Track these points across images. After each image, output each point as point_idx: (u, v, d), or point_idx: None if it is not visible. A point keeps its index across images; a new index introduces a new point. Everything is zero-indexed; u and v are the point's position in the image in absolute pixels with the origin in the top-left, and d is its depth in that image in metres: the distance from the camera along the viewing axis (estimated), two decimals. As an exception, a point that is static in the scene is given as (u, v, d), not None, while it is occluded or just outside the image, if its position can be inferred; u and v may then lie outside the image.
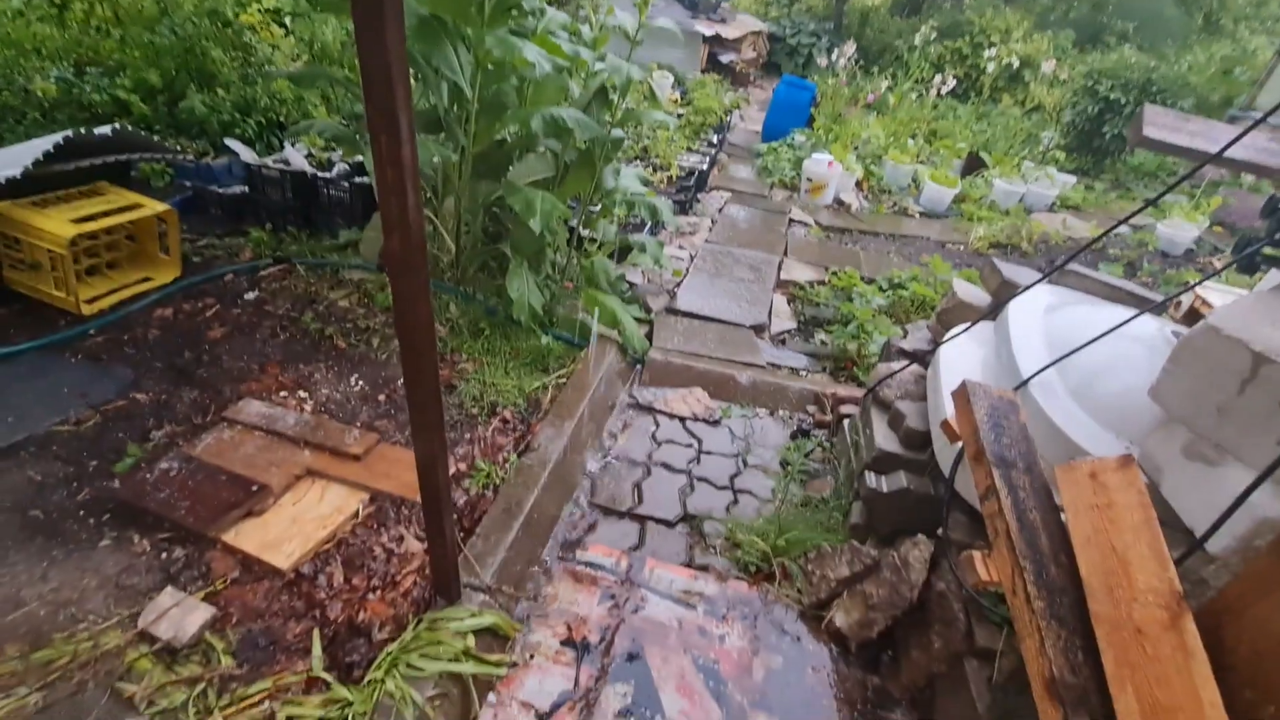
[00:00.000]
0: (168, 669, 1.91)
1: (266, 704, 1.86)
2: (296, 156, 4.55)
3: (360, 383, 3.20)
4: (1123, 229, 7.34)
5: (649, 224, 5.09)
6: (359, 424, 2.92)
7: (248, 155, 4.52)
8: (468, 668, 1.97)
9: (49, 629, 1.95)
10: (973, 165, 8.22)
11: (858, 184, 7.36)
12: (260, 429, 2.75)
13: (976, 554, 1.60)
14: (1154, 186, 9.43)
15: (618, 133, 3.66)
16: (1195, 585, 1.45)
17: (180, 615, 2.03)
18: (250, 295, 3.70)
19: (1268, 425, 1.43)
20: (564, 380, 3.40)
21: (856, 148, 8.04)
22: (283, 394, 3.02)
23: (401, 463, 2.69)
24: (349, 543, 2.39)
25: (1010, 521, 1.52)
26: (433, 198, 3.82)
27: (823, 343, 4.26)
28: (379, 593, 2.23)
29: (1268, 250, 1.75)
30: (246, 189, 4.43)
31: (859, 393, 3.47)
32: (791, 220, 6.34)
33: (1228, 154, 1.78)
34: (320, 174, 4.34)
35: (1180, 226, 6.86)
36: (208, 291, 3.65)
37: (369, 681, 1.88)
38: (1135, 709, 1.23)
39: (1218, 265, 6.11)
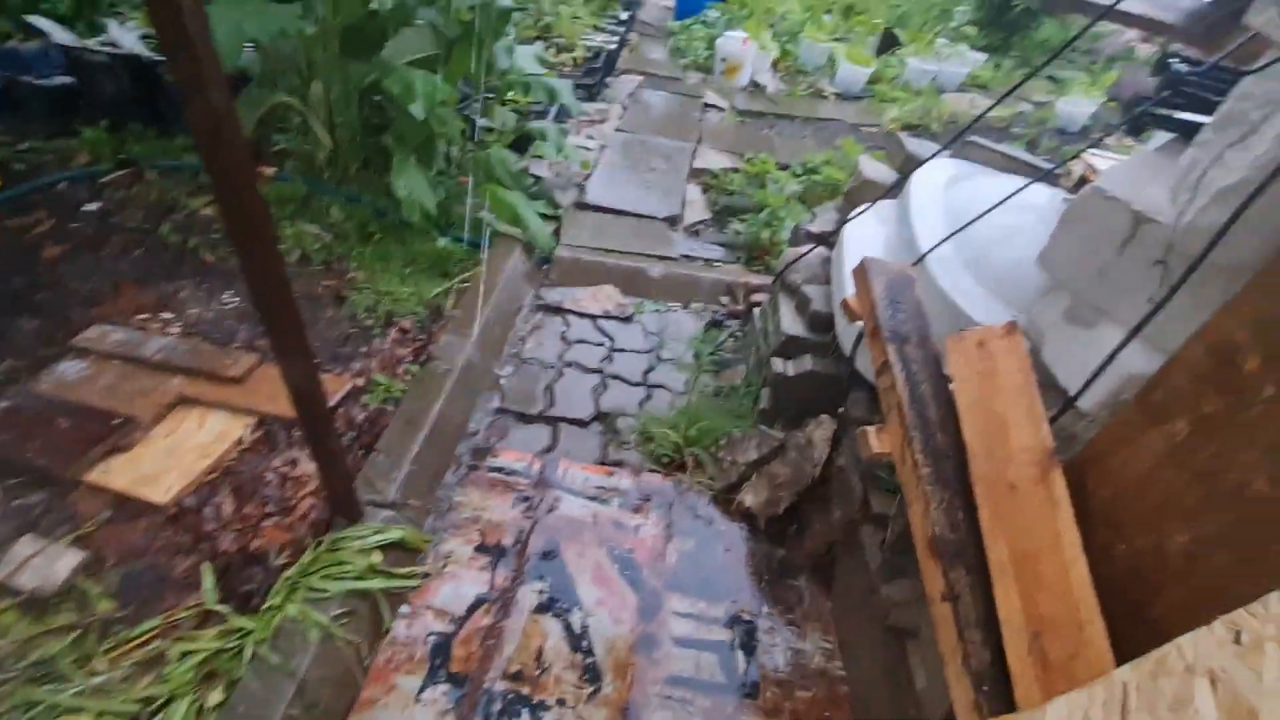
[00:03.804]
0: (36, 620, 1.76)
1: (156, 643, 1.75)
2: (128, 38, 3.87)
3: (235, 299, 2.90)
4: (1027, 106, 7.44)
5: (551, 111, 4.71)
6: (237, 344, 2.66)
7: (63, 36, 3.79)
8: (375, 584, 1.92)
9: (-116, 592, 1.75)
10: (888, 43, 8.00)
11: (773, 64, 7.06)
12: (119, 357, 2.46)
13: (870, 429, 1.62)
14: (1059, 63, 9.53)
15: (505, 0, 3.26)
16: (1066, 441, 1.53)
17: (44, 563, 1.86)
18: (91, 206, 3.23)
19: (1142, 284, 1.46)
20: (466, 284, 3.19)
21: (773, 24, 7.64)
22: (142, 316, 2.70)
23: (288, 382, 2.49)
24: (237, 470, 2.23)
25: (902, 395, 1.54)
26: (299, 83, 3.35)
27: (737, 232, 4.17)
28: (274, 519, 2.10)
29: (1157, 110, 1.74)
30: (72, 80, 3.76)
31: (770, 281, 3.44)
32: (706, 104, 6.05)
33: (1121, 7, 1.72)
34: (162, 59, 3.72)
35: (1078, 102, 7.00)
36: (36, 204, 3.16)
37: (267, 608, 1.80)
38: (1006, 556, 1.31)
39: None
